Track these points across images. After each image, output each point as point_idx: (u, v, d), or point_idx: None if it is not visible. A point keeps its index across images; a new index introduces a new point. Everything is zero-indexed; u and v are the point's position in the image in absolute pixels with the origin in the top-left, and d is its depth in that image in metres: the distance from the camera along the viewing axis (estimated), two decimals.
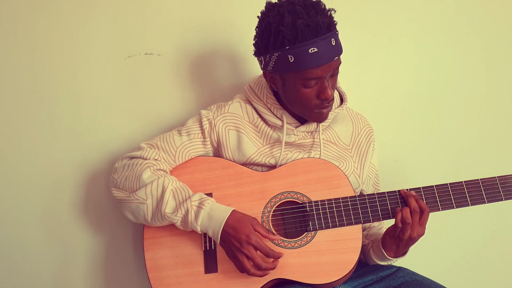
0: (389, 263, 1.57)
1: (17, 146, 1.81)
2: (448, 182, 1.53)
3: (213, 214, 1.48)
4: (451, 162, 2.00)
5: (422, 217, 1.48)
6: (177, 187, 1.52)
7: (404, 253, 1.55)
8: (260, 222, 1.52)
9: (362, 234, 1.55)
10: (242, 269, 1.46)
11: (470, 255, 2.03)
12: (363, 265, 1.64)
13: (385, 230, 1.56)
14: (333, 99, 1.54)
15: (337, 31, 1.47)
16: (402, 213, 1.47)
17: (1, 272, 1.81)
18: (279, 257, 1.46)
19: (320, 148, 1.60)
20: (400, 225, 1.47)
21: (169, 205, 1.49)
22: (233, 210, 1.49)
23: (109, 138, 1.83)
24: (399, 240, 1.49)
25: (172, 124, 1.83)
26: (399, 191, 1.52)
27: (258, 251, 1.46)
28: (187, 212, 1.48)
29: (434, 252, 2.00)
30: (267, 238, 1.48)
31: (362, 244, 1.53)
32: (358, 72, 1.96)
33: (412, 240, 1.49)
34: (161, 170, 1.56)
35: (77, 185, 1.83)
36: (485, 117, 2.02)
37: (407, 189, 1.53)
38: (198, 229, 1.48)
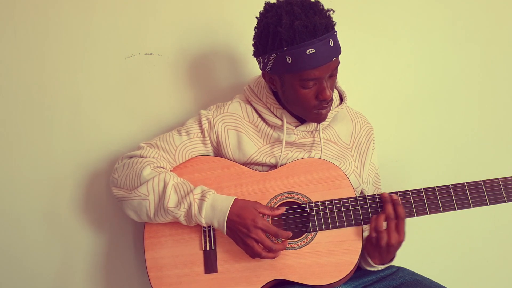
0: (379, 269, 1.56)
1: (18, 146, 1.81)
2: (448, 182, 1.52)
3: (216, 205, 1.48)
4: (451, 162, 2.00)
5: (398, 223, 1.46)
6: (178, 182, 1.52)
7: (390, 260, 1.54)
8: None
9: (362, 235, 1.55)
10: (253, 254, 1.46)
11: (470, 256, 2.03)
12: None
13: None
14: (332, 99, 1.53)
15: (336, 31, 1.47)
16: (375, 221, 1.47)
17: (2, 271, 1.81)
18: (288, 237, 1.46)
19: (321, 147, 1.60)
20: (374, 234, 1.47)
21: (171, 199, 1.49)
22: (235, 198, 1.49)
23: (109, 137, 1.83)
24: (379, 247, 1.48)
25: (172, 124, 1.83)
26: (399, 192, 1.52)
27: (266, 234, 1.46)
28: (190, 205, 1.48)
29: (434, 252, 2.00)
30: (273, 215, 1.48)
31: None
32: (358, 72, 1.95)
33: (392, 247, 1.47)
34: (161, 167, 1.57)
35: (78, 185, 1.83)
36: (486, 117, 2.02)
37: (410, 190, 1.52)
38: (203, 221, 1.48)
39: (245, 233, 1.45)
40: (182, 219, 1.51)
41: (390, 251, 1.48)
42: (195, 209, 1.48)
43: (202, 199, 1.48)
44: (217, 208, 1.48)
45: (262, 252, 1.45)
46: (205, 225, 1.50)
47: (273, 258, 1.47)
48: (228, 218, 1.47)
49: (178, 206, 1.49)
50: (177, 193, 1.50)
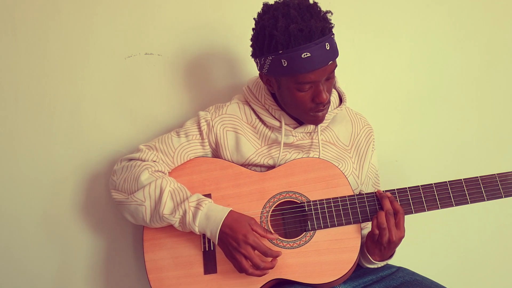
0: (379, 265, 1.56)
1: (17, 147, 1.81)
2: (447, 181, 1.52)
3: (210, 215, 1.47)
4: (451, 161, 2.00)
5: (397, 219, 1.47)
6: (175, 188, 1.52)
7: (390, 256, 1.54)
8: (259, 222, 1.52)
9: (361, 233, 1.54)
10: (241, 269, 1.46)
11: (470, 255, 2.02)
12: None
13: None
14: (328, 102, 1.52)
15: (333, 34, 1.45)
16: (377, 218, 1.47)
17: (1, 272, 1.81)
18: (277, 256, 1.46)
19: (319, 149, 1.59)
20: (376, 231, 1.47)
21: (167, 207, 1.49)
22: (231, 210, 1.48)
23: (108, 138, 1.83)
24: (380, 244, 1.48)
25: (172, 125, 1.83)
26: (397, 189, 1.52)
27: (256, 251, 1.45)
28: (185, 213, 1.48)
29: (434, 252, 2.00)
30: (266, 238, 1.48)
31: None
32: (358, 72, 1.95)
33: (393, 243, 1.47)
34: (160, 171, 1.56)
35: (77, 185, 1.83)
36: (484, 116, 2.02)
37: (408, 187, 1.52)
38: (196, 229, 1.48)
39: (235, 247, 1.44)
40: (177, 225, 1.51)
41: (391, 247, 1.49)
42: (189, 217, 1.48)
43: (197, 207, 1.48)
44: (211, 218, 1.47)
45: (249, 269, 1.44)
46: (198, 233, 1.50)
47: (260, 276, 1.46)
48: (220, 230, 1.46)
49: (173, 213, 1.49)
50: (173, 200, 1.50)
